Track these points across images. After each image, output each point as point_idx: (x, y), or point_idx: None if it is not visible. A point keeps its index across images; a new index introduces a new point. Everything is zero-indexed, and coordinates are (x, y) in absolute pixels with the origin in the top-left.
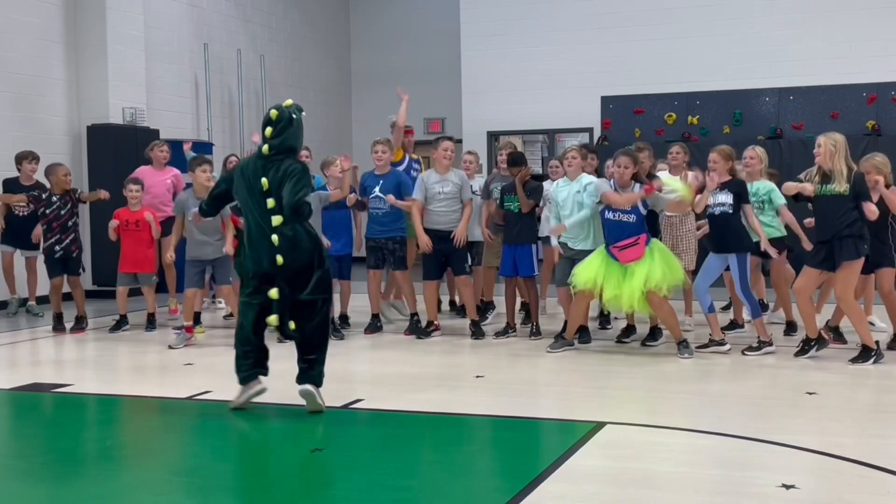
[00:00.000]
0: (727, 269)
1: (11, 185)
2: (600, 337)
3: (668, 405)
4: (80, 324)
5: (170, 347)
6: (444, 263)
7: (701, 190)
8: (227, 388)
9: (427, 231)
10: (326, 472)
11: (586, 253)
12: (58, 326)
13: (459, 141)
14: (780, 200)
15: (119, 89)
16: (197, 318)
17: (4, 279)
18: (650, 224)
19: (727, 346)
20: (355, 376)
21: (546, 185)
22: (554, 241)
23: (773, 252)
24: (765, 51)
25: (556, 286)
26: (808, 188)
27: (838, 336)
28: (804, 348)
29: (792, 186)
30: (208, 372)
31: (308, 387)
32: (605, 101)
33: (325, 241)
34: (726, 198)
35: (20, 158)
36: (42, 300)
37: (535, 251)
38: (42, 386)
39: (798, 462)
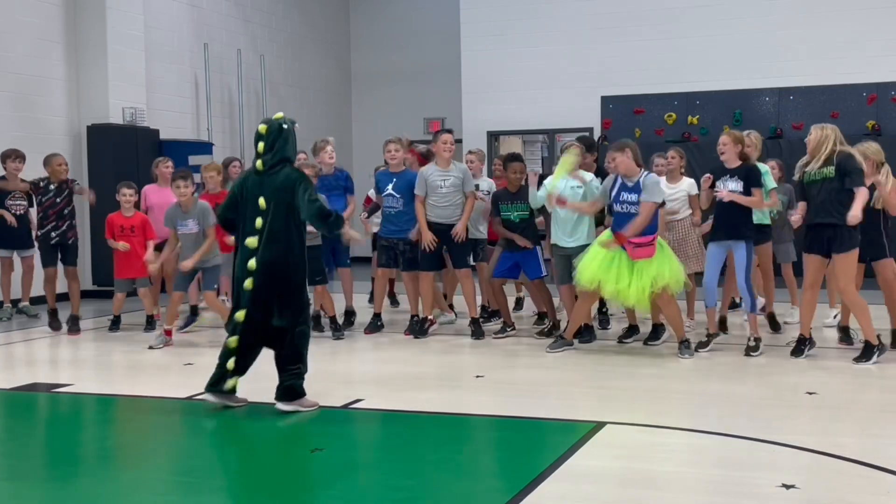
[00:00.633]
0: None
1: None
2: (601, 337)
3: (669, 405)
4: (74, 324)
5: (150, 347)
6: (440, 256)
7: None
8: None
9: (428, 224)
10: (326, 472)
11: (580, 248)
12: (53, 324)
13: (459, 141)
14: (772, 184)
15: (119, 89)
16: (195, 310)
17: (1, 284)
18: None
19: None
20: (355, 376)
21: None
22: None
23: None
24: (765, 51)
25: (558, 285)
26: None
27: (846, 337)
28: (799, 348)
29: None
30: (208, 372)
31: (279, 405)
32: (605, 101)
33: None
34: (736, 185)
35: (4, 157)
36: (37, 301)
37: (540, 252)
38: (41, 386)
39: (798, 462)
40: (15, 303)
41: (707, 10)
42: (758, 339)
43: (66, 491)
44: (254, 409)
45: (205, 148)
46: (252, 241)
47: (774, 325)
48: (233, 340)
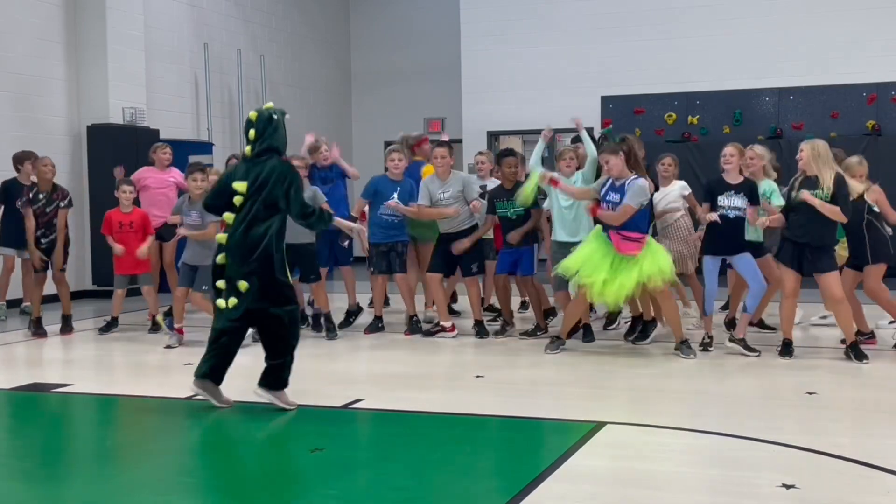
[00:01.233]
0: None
1: (11, 186)
2: (602, 337)
3: (669, 405)
4: (67, 324)
5: (167, 347)
6: (452, 262)
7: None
8: (227, 388)
9: (441, 235)
10: (326, 472)
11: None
12: (38, 331)
13: (459, 141)
14: (779, 202)
15: (119, 89)
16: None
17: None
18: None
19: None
20: (355, 376)
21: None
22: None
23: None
24: (765, 51)
25: (554, 290)
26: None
27: (869, 336)
28: (788, 350)
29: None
30: None
31: (261, 391)
32: (605, 101)
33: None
34: (741, 202)
35: (22, 159)
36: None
37: (535, 251)
38: (42, 386)
39: (798, 462)
40: (10, 303)
41: (707, 10)
42: (711, 338)
43: (66, 491)
44: (253, 409)
45: (205, 148)
46: (229, 217)
47: (765, 327)
48: (243, 284)
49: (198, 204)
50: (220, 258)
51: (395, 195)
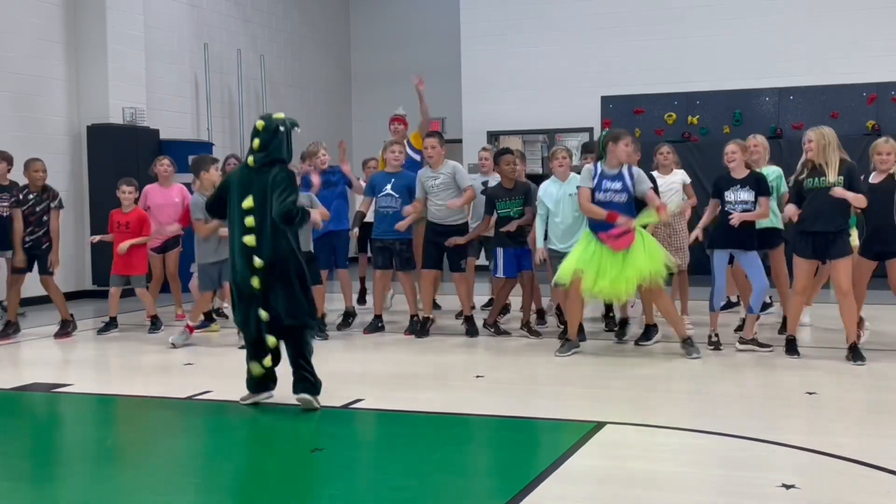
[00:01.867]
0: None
1: None
2: (602, 337)
3: (669, 405)
4: (65, 328)
5: (172, 344)
6: (442, 256)
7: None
8: (227, 388)
9: (431, 223)
10: (326, 472)
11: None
12: (5, 331)
13: (459, 141)
14: (785, 188)
15: (119, 89)
16: (210, 316)
17: None
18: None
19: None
20: (355, 376)
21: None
22: (540, 243)
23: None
24: (765, 51)
25: (552, 288)
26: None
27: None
28: (793, 347)
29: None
30: (208, 372)
31: (305, 395)
32: (605, 101)
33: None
34: (748, 195)
35: None
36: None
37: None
38: (42, 386)
39: (798, 462)
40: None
41: (707, 10)
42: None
43: (66, 491)
44: (253, 409)
45: (205, 148)
46: (250, 240)
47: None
48: (272, 340)
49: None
50: (255, 282)
51: (388, 186)
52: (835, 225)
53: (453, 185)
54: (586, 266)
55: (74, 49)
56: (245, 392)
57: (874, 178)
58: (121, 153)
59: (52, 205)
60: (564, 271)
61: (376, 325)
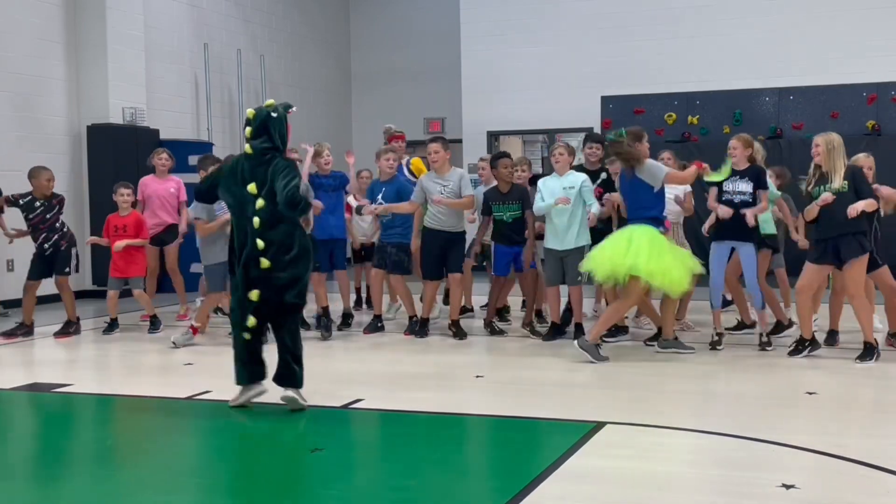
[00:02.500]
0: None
1: None
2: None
3: (668, 405)
4: (67, 328)
5: (173, 344)
6: (442, 262)
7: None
8: (227, 388)
9: (430, 230)
10: (326, 472)
11: (575, 251)
12: (14, 331)
13: (459, 141)
14: (777, 193)
15: (119, 89)
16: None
17: None
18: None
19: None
20: (355, 376)
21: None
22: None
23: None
24: (765, 51)
25: (546, 286)
26: (828, 197)
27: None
28: (797, 348)
29: (813, 211)
30: (208, 372)
31: (289, 394)
32: (605, 101)
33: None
34: (746, 186)
35: None
36: (12, 304)
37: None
38: (42, 386)
39: (798, 462)
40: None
41: (707, 10)
42: (721, 335)
43: (66, 491)
44: (254, 409)
45: (205, 148)
46: (256, 221)
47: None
48: (254, 294)
49: None
50: (264, 263)
51: (380, 196)
52: (847, 227)
53: (459, 193)
54: (623, 256)
55: (74, 49)
56: (236, 391)
57: None
58: (121, 153)
59: (62, 210)
60: (596, 262)
61: (376, 325)
